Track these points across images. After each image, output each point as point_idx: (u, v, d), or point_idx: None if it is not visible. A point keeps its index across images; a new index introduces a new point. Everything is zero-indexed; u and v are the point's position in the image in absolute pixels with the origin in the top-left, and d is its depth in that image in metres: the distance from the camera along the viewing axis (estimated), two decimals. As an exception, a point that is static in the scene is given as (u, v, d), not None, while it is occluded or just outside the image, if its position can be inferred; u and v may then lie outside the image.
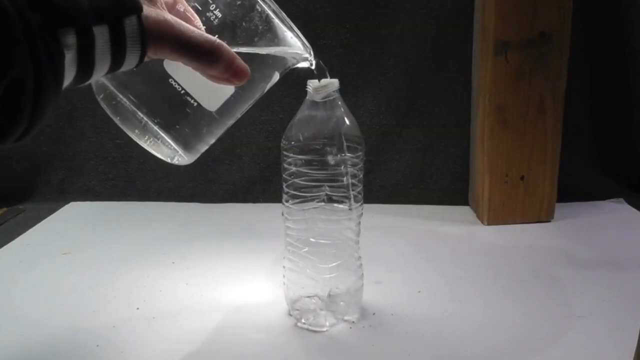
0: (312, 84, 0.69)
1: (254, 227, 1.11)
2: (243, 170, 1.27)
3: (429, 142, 1.24)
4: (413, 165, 1.25)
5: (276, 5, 0.51)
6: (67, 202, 1.26)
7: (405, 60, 1.20)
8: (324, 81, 0.68)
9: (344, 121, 0.70)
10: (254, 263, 0.95)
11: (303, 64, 0.58)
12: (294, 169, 0.71)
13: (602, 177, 1.27)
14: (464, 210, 1.21)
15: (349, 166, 0.70)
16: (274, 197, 1.19)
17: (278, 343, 0.71)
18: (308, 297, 0.74)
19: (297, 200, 0.72)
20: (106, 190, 1.28)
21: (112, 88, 0.49)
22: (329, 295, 0.73)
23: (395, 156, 1.25)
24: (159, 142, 0.51)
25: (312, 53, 0.56)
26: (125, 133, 0.52)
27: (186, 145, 0.52)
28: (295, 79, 0.67)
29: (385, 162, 1.25)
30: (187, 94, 0.50)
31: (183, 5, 0.49)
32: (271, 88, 0.56)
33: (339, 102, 0.70)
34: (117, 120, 0.51)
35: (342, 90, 0.70)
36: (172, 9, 0.48)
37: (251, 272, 0.92)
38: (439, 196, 1.24)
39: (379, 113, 1.24)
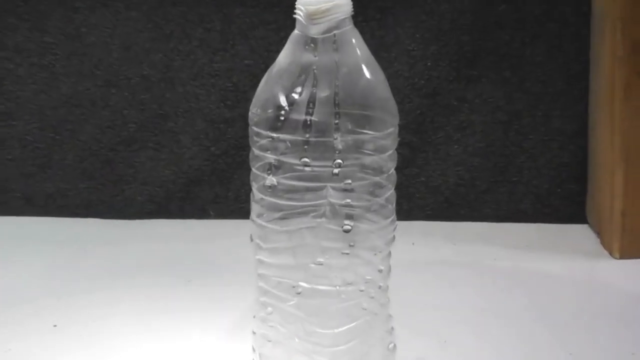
0: (305, 7, 0.51)
1: (197, 261, 0.85)
2: (177, 162, 0.94)
3: (514, 109, 0.94)
4: (486, 149, 0.95)
5: None
6: None
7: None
8: (325, 3, 0.51)
9: (361, 73, 0.51)
10: (201, 331, 0.69)
11: None
12: (271, 157, 0.52)
13: None
14: (578, 231, 0.94)
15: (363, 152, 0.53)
16: (234, 209, 0.92)
17: None
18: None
19: (278, 215, 0.54)
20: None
21: None
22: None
23: (455, 135, 0.95)
24: None
25: None
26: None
27: None
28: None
29: (438, 145, 0.96)
30: None
31: None
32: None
33: (353, 40, 0.52)
34: None
35: (358, 19, 0.51)
36: None
37: (193, 348, 0.66)
38: (532, 206, 0.95)
39: (425, 58, 0.93)
